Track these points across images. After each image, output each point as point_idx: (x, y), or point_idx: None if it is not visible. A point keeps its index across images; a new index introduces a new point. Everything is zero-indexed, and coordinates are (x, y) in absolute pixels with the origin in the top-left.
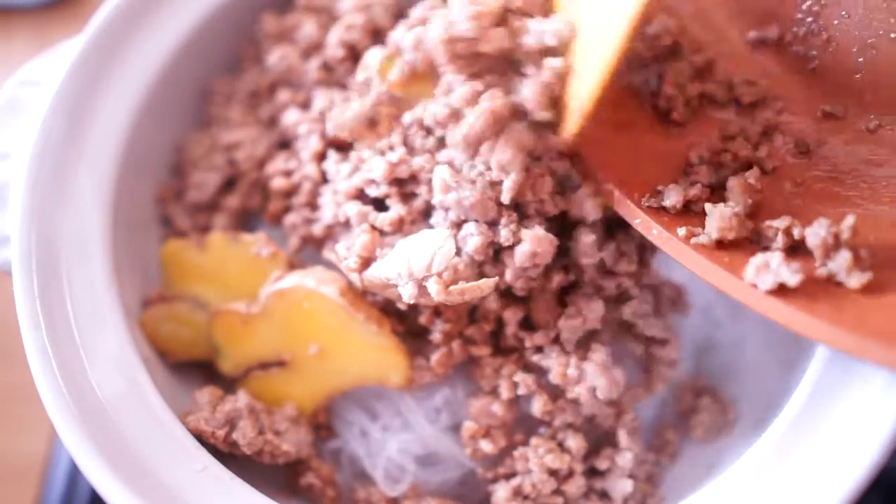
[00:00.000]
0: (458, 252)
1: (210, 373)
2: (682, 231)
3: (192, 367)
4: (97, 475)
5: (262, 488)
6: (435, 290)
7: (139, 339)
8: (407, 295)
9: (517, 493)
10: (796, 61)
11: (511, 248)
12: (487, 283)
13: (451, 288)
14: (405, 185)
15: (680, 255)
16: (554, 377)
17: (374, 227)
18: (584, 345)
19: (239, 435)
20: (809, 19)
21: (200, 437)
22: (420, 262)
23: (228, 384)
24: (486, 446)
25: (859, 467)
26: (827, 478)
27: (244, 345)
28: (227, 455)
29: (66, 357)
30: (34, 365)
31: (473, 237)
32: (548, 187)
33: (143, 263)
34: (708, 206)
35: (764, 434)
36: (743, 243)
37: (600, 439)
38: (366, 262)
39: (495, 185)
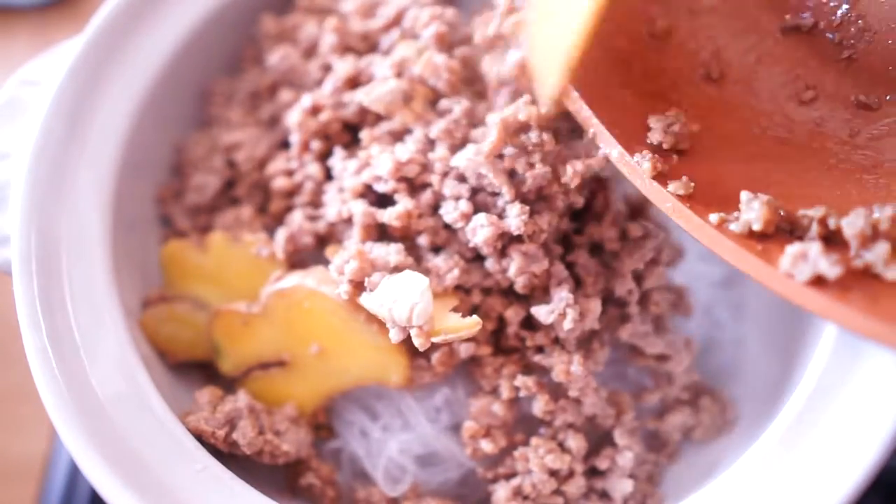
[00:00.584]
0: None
1: (210, 373)
2: (714, 217)
3: (192, 367)
4: (97, 475)
5: (262, 488)
6: (418, 342)
7: (139, 339)
8: (394, 337)
9: (517, 493)
10: (831, 49)
11: (519, 239)
12: (471, 329)
13: (434, 339)
14: (413, 179)
15: (712, 241)
16: (557, 375)
17: (374, 226)
18: (585, 345)
19: (239, 435)
20: (845, 6)
21: (200, 437)
22: (400, 314)
23: (228, 384)
24: (487, 446)
25: (859, 467)
26: (827, 477)
27: (244, 345)
28: (227, 455)
29: (66, 357)
30: (34, 365)
31: (484, 228)
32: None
33: (143, 263)
34: (743, 194)
35: (764, 434)
36: (776, 231)
37: (600, 439)
38: (358, 286)
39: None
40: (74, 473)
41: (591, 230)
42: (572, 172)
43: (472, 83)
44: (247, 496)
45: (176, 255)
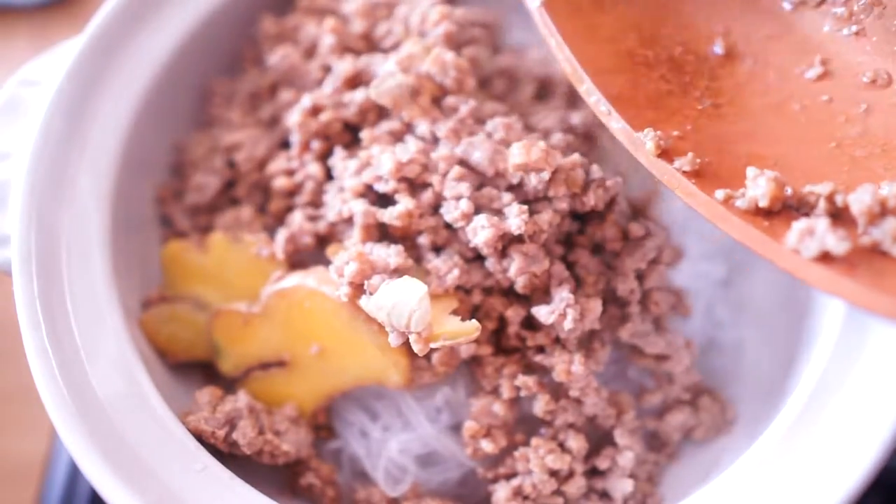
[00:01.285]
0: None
1: (210, 373)
2: (720, 194)
3: (192, 367)
4: (97, 475)
5: (262, 488)
6: (417, 347)
7: (139, 339)
8: (393, 342)
9: (517, 493)
10: (839, 24)
11: (520, 240)
12: (469, 334)
13: (433, 344)
14: (414, 179)
15: (718, 218)
16: (557, 375)
17: (374, 226)
18: (585, 345)
19: (239, 435)
20: None
21: (200, 437)
22: (399, 320)
23: (228, 384)
24: (487, 446)
25: (859, 467)
26: (827, 478)
27: (245, 345)
28: (227, 455)
29: (66, 357)
30: (34, 365)
31: (485, 230)
32: (580, 180)
33: (143, 263)
34: (750, 171)
35: (764, 434)
36: (783, 208)
37: (601, 439)
38: (358, 288)
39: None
40: (74, 473)
41: (593, 230)
42: (595, 198)
43: (478, 84)
44: (247, 496)
45: (176, 255)
